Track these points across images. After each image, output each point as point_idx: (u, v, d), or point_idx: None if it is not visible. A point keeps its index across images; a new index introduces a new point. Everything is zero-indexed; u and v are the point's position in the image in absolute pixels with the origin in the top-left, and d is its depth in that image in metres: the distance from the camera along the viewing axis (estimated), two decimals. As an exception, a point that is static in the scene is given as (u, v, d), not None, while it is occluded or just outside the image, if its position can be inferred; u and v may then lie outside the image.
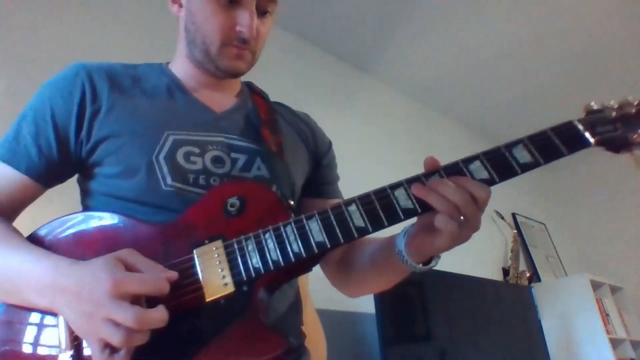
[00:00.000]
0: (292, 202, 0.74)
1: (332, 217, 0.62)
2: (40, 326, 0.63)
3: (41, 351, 0.61)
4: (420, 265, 0.67)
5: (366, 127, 3.02)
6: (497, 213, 3.54)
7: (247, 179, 0.77)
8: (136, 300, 0.55)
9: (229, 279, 0.60)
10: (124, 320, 0.52)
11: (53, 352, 0.60)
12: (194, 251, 0.63)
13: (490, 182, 0.61)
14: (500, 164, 0.62)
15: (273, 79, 2.21)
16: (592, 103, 0.67)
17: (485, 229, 3.81)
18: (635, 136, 0.63)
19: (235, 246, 0.63)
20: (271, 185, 0.77)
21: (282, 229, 0.62)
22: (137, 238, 0.64)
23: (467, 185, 0.60)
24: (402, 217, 0.61)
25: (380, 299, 2.06)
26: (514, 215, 3.77)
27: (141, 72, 0.85)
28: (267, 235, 0.62)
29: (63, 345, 0.59)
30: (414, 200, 0.61)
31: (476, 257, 3.18)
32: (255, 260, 0.61)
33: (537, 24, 2.84)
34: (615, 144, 0.64)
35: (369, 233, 0.61)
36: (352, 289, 0.87)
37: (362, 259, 0.80)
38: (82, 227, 0.67)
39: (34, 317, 0.63)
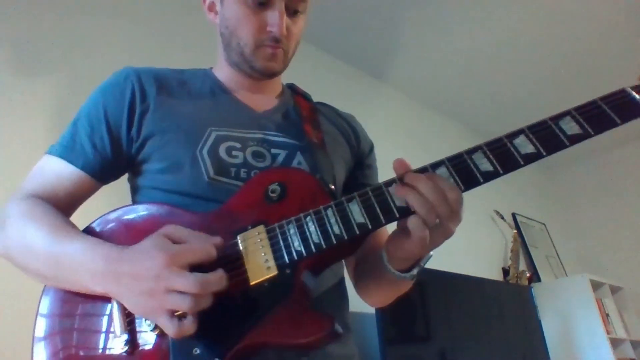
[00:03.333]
0: (333, 187, 0.74)
1: (372, 198, 0.61)
2: (96, 312, 0.65)
3: (96, 337, 0.64)
4: (398, 272, 0.68)
5: (380, 133, 3.02)
6: (497, 213, 3.54)
7: (288, 166, 0.79)
8: (191, 269, 0.57)
9: (271, 263, 0.62)
10: (188, 286, 0.55)
11: (109, 337, 0.63)
12: (238, 237, 0.64)
13: (537, 156, 0.60)
14: (546, 138, 0.60)
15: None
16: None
17: (485, 229, 3.80)
18: None
19: (277, 230, 0.64)
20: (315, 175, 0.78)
21: (323, 212, 0.63)
22: (183, 226, 0.65)
23: (440, 184, 0.60)
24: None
25: (380, 299, 2.05)
26: (514, 215, 3.77)
27: (187, 75, 0.90)
28: (308, 218, 0.63)
29: (118, 331, 0.62)
30: (457, 179, 0.61)
31: (476, 257, 3.18)
32: (297, 244, 0.62)
33: (549, 26, 2.84)
34: None
35: (410, 213, 0.60)
36: (367, 298, 0.88)
37: (366, 268, 0.82)
38: (131, 218, 0.71)
39: (90, 304, 0.66)
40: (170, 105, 0.81)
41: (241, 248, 0.63)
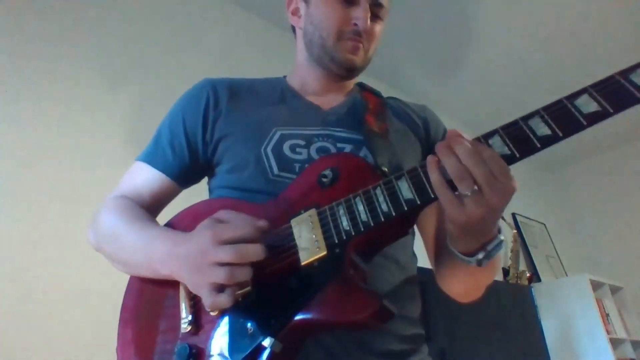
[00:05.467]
0: (385, 169, 0.75)
1: (421, 174, 0.60)
2: (168, 296, 0.71)
3: (167, 319, 0.70)
4: (462, 254, 0.65)
5: None
6: (497, 213, 3.53)
7: (339, 152, 0.80)
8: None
9: (321, 243, 0.63)
10: (226, 257, 0.59)
11: (177, 318, 0.68)
12: (291, 221, 0.67)
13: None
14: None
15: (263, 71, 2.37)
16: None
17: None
18: None
19: (327, 212, 0.65)
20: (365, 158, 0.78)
21: (371, 191, 0.63)
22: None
23: (480, 148, 0.56)
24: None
25: (380, 299, 2.05)
26: (514, 215, 3.77)
27: (259, 83, 0.95)
28: (357, 199, 0.63)
29: (183, 313, 0.67)
30: (511, 146, 0.57)
31: (476, 257, 3.18)
32: (345, 223, 0.62)
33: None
34: None
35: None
36: (448, 290, 0.87)
37: (441, 254, 0.81)
38: (198, 210, 0.77)
39: (163, 289, 0.72)
40: (240, 109, 0.86)
41: (293, 231, 0.66)
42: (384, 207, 0.61)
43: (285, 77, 0.99)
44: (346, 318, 0.58)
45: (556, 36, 2.94)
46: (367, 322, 0.58)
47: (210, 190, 0.89)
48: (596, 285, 3.30)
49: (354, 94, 0.95)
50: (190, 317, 0.67)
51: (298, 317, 0.60)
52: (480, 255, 0.64)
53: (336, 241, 0.62)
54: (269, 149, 0.80)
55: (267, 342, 0.59)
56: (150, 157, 0.87)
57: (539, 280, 3.50)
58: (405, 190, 0.60)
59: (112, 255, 0.78)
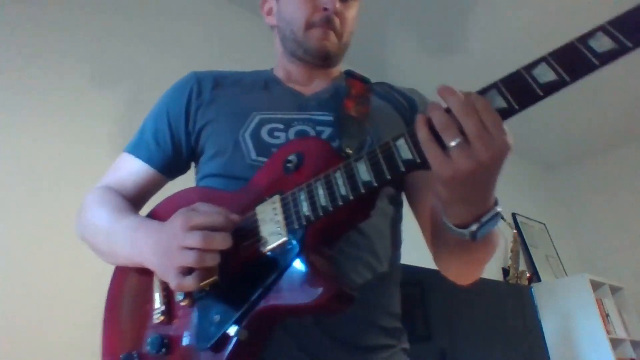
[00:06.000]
0: (350, 151, 0.74)
1: (379, 154, 0.58)
2: (143, 286, 0.73)
3: (142, 310, 0.72)
4: (454, 226, 0.59)
5: None
6: (497, 213, 3.54)
7: (305, 136, 0.79)
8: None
9: (283, 229, 0.63)
10: (194, 242, 0.60)
11: (151, 309, 0.70)
12: (256, 208, 0.67)
13: (562, 84, 0.50)
14: (572, 61, 0.50)
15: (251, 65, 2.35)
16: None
17: (485, 229, 3.75)
18: None
19: (290, 198, 0.65)
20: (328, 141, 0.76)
21: (331, 174, 0.62)
22: (215, 203, 0.70)
23: (473, 98, 0.51)
24: None
25: (380, 299, 2.05)
26: (514, 215, 3.77)
27: (246, 75, 0.94)
28: (318, 183, 0.63)
29: (156, 303, 0.70)
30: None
31: (476, 257, 3.18)
32: (306, 209, 0.62)
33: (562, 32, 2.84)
34: None
35: (416, 165, 0.55)
36: (446, 271, 0.80)
37: (437, 232, 0.74)
38: (173, 201, 0.79)
39: (140, 279, 0.74)
40: (222, 98, 0.87)
41: (258, 218, 0.66)
42: (342, 190, 0.60)
43: (272, 69, 0.98)
44: (305, 302, 0.59)
45: (557, 27, 2.94)
46: (326, 306, 0.59)
47: (196, 180, 0.89)
48: (596, 285, 3.30)
49: (338, 80, 0.94)
50: (163, 307, 0.69)
51: (262, 304, 0.61)
52: (474, 227, 0.57)
53: (296, 227, 0.63)
54: (247, 134, 0.80)
55: (232, 330, 0.61)
56: (135, 148, 0.88)
57: (539, 280, 3.50)
58: (363, 171, 0.59)
59: (94, 246, 0.80)
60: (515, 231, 3.55)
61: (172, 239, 0.63)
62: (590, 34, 0.50)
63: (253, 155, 0.78)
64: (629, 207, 4.00)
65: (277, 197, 0.66)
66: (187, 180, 0.90)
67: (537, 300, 3.15)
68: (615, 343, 3.13)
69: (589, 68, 0.50)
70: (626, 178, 4.09)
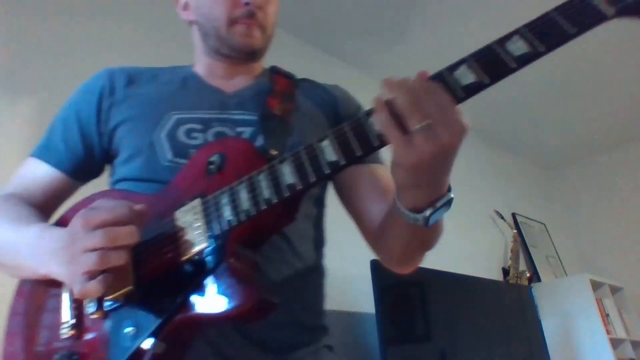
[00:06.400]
0: (274, 152, 0.71)
1: (303, 156, 0.57)
2: (53, 299, 0.67)
3: (51, 323, 0.66)
4: (409, 212, 0.58)
5: None
6: (497, 213, 3.54)
7: (227, 136, 0.76)
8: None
9: (203, 235, 0.60)
10: (95, 242, 0.54)
11: (60, 323, 0.64)
12: (175, 213, 0.64)
13: (481, 86, 0.51)
14: (492, 62, 0.51)
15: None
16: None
17: (485, 229, 3.77)
18: None
19: (212, 201, 0.62)
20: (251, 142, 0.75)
21: (255, 177, 0.60)
22: None
23: (429, 86, 0.51)
24: (376, 143, 0.54)
25: (380, 299, 2.05)
26: (514, 215, 3.77)
27: (162, 70, 0.90)
28: (241, 186, 0.60)
29: (66, 316, 0.64)
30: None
31: (476, 257, 3.18)
32: (228, 213, 0.60)
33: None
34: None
35: (340, 167, 0.55)
36: (389, 262, 0.80)
37: (383, 220, 0.74)
38: (85, 204, 0.70)
39: (49, 291, 0.67)
40: (136, 96, 0.82)
41: (178, 224, 0.63)
42: (266, 193, 0.58)
43: (192, 65, 0.93)
44: (226, 312, 0.56)
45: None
46: (248, 315, 0.57)
47: (110, 185, 0.83)
48: (596, 285, 3.30)
49: (262, 78, 0.91)
50: (73, 321, 0.63)
51: (180, 315, 0.58)
52: (428, 212, 0.57)
53: (217, 232, 0.60)
54: (162, 135, 0.76)
55: (148, 343, 0.57)
56: (42, 152, 0.82)
57: (539, 280, 3.50)
58: (288, 174, 0.57)
59: None
60: (515, 231, 3.55)
61: (74, 242, 0.57)
62: (508, 37, 0.52)
63: (169, 156, 0.74)
64: (629, 207, 4.00)
65: (198, 201, 0.63)
66: (101, 184, 0.84)
67: (537, 300, 3.15)
68: (615, 343, 3.12)
69: (507, 71, 0.51)
70: (626, 178, 4.09)
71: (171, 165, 0.73)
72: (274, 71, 0.93)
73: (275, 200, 0.58)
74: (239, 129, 0.78)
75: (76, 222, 0.58)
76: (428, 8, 2.69)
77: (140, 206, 0.60)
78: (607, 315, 3.23)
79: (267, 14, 0.85)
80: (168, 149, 0.75)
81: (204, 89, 0.86)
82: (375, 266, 2.06)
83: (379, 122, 0.52)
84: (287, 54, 2.81)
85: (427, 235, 0.67)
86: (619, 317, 3.40)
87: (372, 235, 0.79)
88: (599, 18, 0.49)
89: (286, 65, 0.95)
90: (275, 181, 0.58)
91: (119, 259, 0.55)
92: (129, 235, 0.56)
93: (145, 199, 0.67)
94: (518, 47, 0.51)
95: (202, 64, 0.90)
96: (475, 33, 2.89)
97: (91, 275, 0.55)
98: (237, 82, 0.88)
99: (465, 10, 2.72)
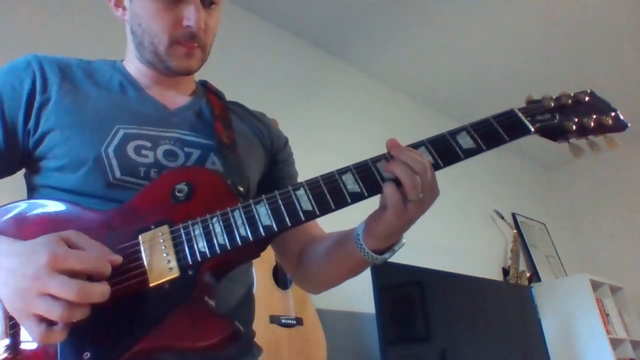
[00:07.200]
0: (241, 189, 0.73)
1: (279, 201, 0.63)
2: None
3: None
4: (373, 253, 0.68)
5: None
6: (497, 213, 3.54)
7: (196, 166, 0.76)
8: (75, 277, 0.52)
9: (174, 264, 0.60)
10: (63, 292, 0.50)
11: None
12: (140, 237, 0.62)
13: (435, 167, 0.64)
14: (445, 150, 0.65)
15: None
16: (533, 94, 0.73)
17: (485, 229, 3.77)
18: (571, 124, 0.69)
19: (182, 231, 0.62)
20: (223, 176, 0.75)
21: (230, 213, 0.63)
22: (81, 224, 0.62)
23: (423, 157, 0.63)
24: (349, 200, 0.63)
25: (380, 299, 2.06)
26: (514, 215, 3.77)
27: (95, 67, 0.84)
28: (214, 219, 0.62)
29: (0, 333, 0.57)
30: (361, 184, 0.63)
31: (476, 257, 3.18)
32: (201, 245, 0.61)
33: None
34: (554, 132, 0.70)
35: (316, 216, 0.63)
36: (311, 285, 0.89)
37: (319, 253, 0.81)
38: (25, 213, 0.65)
39: None
40: (74, 98, 0.76)
41: (142, 248, 0.61)
42: (242, 231, 0.61)
43: (122, 61, 0.88)
44: (199, 343, 0.56)
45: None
46: (221, 346, 0.57)
47: (32, 187, 0.76)
48: (596, 285, 3.30)
49: (199, 95, 0.90)
50: (8, 341, 0.56)
51: (143, 343, 0.55)
52: (388, 255, 0.68)
53: (190, 262, 0.60)
54: (110, 150, 0.71)
55: None
56: None
57: (539, 280, 3.50)
58: (264, 216, 0.62)
59: None
60: (515, 231, 3.56)
61: (33, 279, 0.51)
62: (458, 131, 0.66)
63: (117, 173, 0.70)
64: (629, 207, 4.00)
65: (165, 228, 0.62)
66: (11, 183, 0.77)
67: (537, 300, 3.15)
68: (615, 343, 3.13)
69: (456, 159, 0.65)
70: (626, 178, 4.09)
71: (119, 183, 0.70)
72: (206, 87, 0.93)
73: (251, 239, 0.61)
74: (187, 150, 0.77)
75: (41, 254, 0.52)
76: (428, 8, 2.69)
77: (116, 257, 0.57)
78: (607, 315, 3.23)
79: (209, 31, 0.82)
80: (116, 167, 0.71)
81: (145, 100, 0.82)
82: (375, 266, 2.06)
83: (389, 196, 0.61)
84: (287, 54, 2.84)
85: (365, 267, 0.75)
86: (619, 317, 3.41)
87: (296, 260, 0.87)
88: (524, 132, 0.68)
89: (286, 65, 0.94)
90: (252, 220, 0.62)
91: (81, 315, 0.51)
92: (101, 296, 0.52)
93: (98, 216, 0.64)
94: (466, 141, 0.66)
95: (134, 66, 0.86)
96: (476, 33, 2.90)
97: (42, 320, 0.51)
98: (176, 98, 0.86)
99: (465, 11, 2.72)
